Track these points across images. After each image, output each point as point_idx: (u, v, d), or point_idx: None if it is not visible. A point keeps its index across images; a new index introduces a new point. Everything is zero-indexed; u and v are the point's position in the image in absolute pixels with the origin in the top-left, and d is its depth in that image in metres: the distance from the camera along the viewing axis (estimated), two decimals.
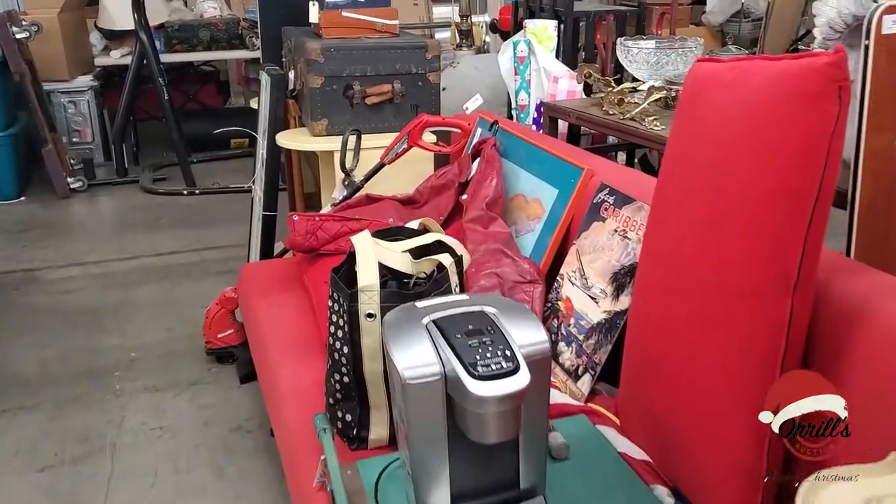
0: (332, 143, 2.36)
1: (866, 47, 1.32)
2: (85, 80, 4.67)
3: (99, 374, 2.46)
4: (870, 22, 1.31)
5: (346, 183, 2.33)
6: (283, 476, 1.58)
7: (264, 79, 2.66)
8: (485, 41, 3.92)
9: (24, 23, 4.22)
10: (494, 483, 1.11)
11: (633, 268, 1.44)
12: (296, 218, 2.01)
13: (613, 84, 2.08)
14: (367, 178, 2.30)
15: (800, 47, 4.34)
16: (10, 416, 2.25)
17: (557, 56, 2.51)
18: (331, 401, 1.40)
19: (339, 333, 1.34)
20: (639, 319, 1.29)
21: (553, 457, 1.24)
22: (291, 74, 2.61)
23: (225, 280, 3.12)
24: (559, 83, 2.31)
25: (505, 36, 3.82)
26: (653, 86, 1.95)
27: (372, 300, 1.29)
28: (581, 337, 1.52)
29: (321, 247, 2.01)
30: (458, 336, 1.06)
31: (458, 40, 3.23)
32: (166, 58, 4.74)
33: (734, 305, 1.08)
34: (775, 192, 1.03)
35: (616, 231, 1.51)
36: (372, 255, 1.32)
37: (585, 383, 1.48)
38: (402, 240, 1.51)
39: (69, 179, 4.30)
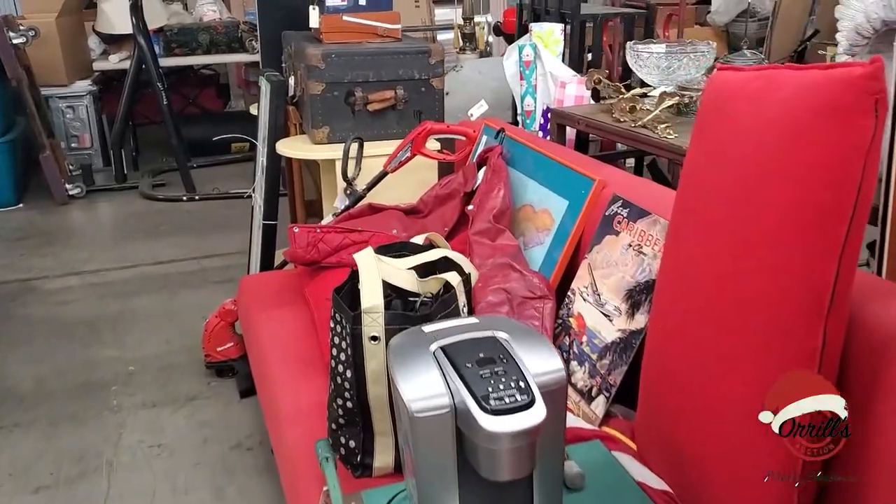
0: (334, 152, 2.30)
1: None
2: (83, 85, 4.62)
3: (96, 389, 2.40)
4: None
5: (348, 192, 2.28)
6: (284, 497, 1.52)
7: (264, 85, 2.60)
8: (488, 41, 3.86)
9: (21, 27, 4.17)
10: None
11: (649, 285, 1.38)
12: (296, 230, 1.95)
13: (623, 90, 2.01)
14: (370, 187, 2.24)
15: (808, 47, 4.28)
16: (4, 434, 2.19)
17: (564, 60, 2.45)
18: (333, 426, 1.34)
19: (342, 356, 1.28)
20: (657, 342, 1.23)
21: (568, 486, 1.18)
22: (291, 80, 2.55)
23: (225, 289, 3.06)
24: (566, 88, 2.25)
25: (509, 39, 3.76)
26: (665, 92, 1.88)
27: (376, 322, 1.23)
28: (594, 356, 1.46)
29: (322, 259, 1.95)
30: (469, 365, 0.99)
31: (461, 43, 3.17)
32: (165, 62, 4.68)
33: (762, 333, 1.02)
34: (806, 213, 0.97)
35: (630, 245, 1.45)
36: (376, 274, 1.26)
37: (600, 405, 1.42)
38: (407, 256, 1.45)
39: (67, 186, 4.24)
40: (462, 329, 1.08)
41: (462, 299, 1.31)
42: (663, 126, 1.79)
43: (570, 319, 1.55)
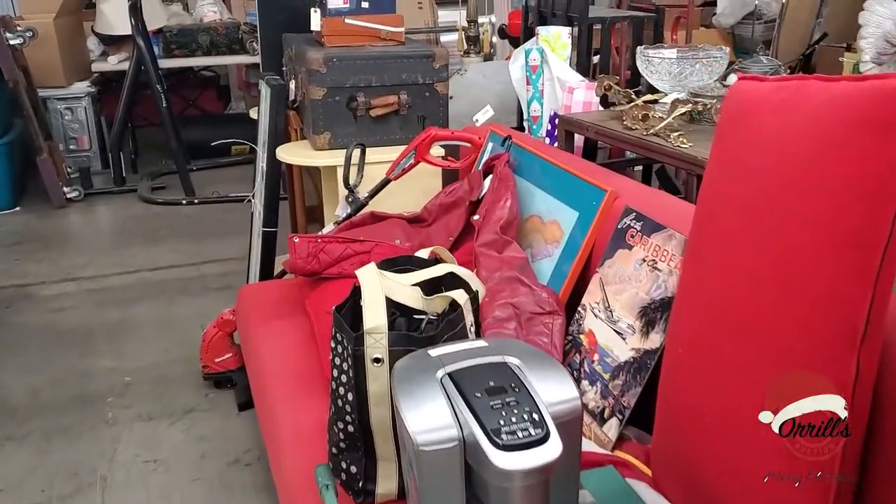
0: (335, 158, 2.25)
1: None
2: (82, 87, 4.56)
3: (91, 401, 2.34)
4: None
5: (350, 199, 2.22)
6: None
7: (264, 89, 2.54)
8: (492, 43, 3.79)
9: (18, 28, 4.11)
10: None
11: (665, 302, 1.32)
12: (296, 240, 1.89)
13: (634, 96, 1.95)
14: (372, 194, 2.18)
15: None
16: None
17: (571, 64, 2.39)
18: (334, 450, 1.28)
19: (343, 378, 1.22)
20: (675, 364, 1.17)
21: None
22: (292, 84, 2.49)
23: (224, 296, 3.00)
24: (574, 94, 2.19)
25: (514, 42, 3.70)
26: (677, 98, 1.82)
27: (379, 343, 1.17)
28: (607, 376, 1.40)
29: (323, 270, 1.89)
30: (478, 394, 0.94)
31: (465, 46, 3.11)
32: (165, 63, 4.63)
33: (789, 359, 0.96)
34: (837, 227, 0.91)
35: (644, 260, 1.39)
36: (379, 292, 1.20)
37: (612, 428, 1.36)
38: (411, 270, 1.39)
39: (65, 189, 4.18)
40: (470, 353, 1.03)
41: (469, 318, 1.25)
42: (676, 134, 1.73)
43: (581, 336, 1.49)
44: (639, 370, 1.34)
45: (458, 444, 0.91)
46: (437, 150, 2.23)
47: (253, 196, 2.74)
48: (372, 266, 1.29)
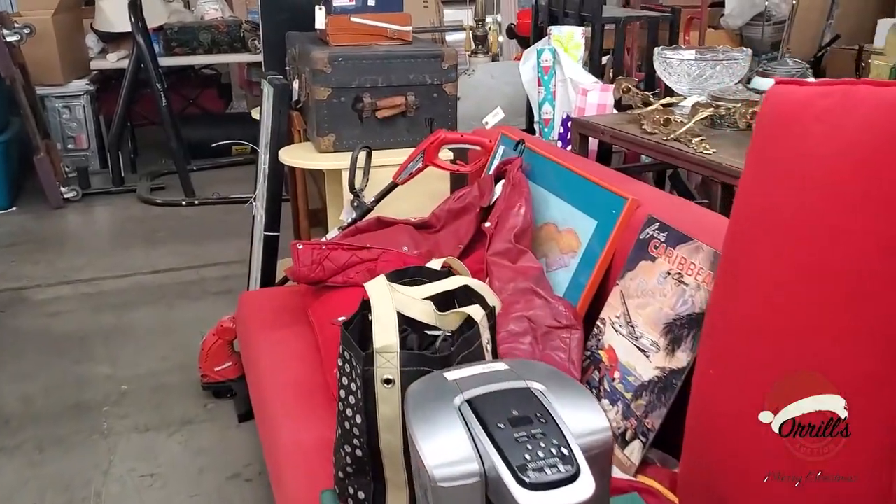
0: (340, 161, 2.17)
1: None
2: (80, 85, 4.49)
3: (86, 410, 2.27)
4: None
5: (355, 204, 2.14)
6: None
7: (267, 89, 2.46)
8: (499, 42, 3.72)
9: (16, 25, 4.04)
10: None
11: (692, 319, 1.25)
12: (300, 246, 1.81)
13: (652, 99, 1.88)
14: (379, 199, 2.10)
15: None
16: None
17: (584, 65, 2.31)
18: (340, 474, 1.20)
19: (351, 399, 1.14)
20: (706, 386, 1.09)
21: None
22: (296, 85, 2.41)
23: (224, 301, 2.93)
24: (589, 96, 2.11)
25: (523, 42, 3.62)
26: (698, 102, 1.75)
27: (390, 363, 1.09)
28: (629, 395, 1.33)
29: (328, 279, 1.81)
30: (501, 426, 0.86)
31: (472, 46, 3.04)
32: (165, 61, 4.56)
33: (835, 383, 0.89)
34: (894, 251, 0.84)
35: (669, 274, 1.32)
36: (390, 309, 1.13)
37: (635, 452, 1.28)
38: (422, 283, 1.32)
39: (63, 189, 4.11)
40: (490, 378, 0.95)
41: (486, 336, 1.17)
42: (698, 140, 1.65)
43: (600, 352, 1.42)
44: (664, 390, 1.27)
45: (479, 479, 0.83)
46: (445, 154, 2.15)
47: (254, 198, 2.66)
48: (382, 279, 1.22)
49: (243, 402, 2.17)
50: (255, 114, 2.77)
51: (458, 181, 2.29)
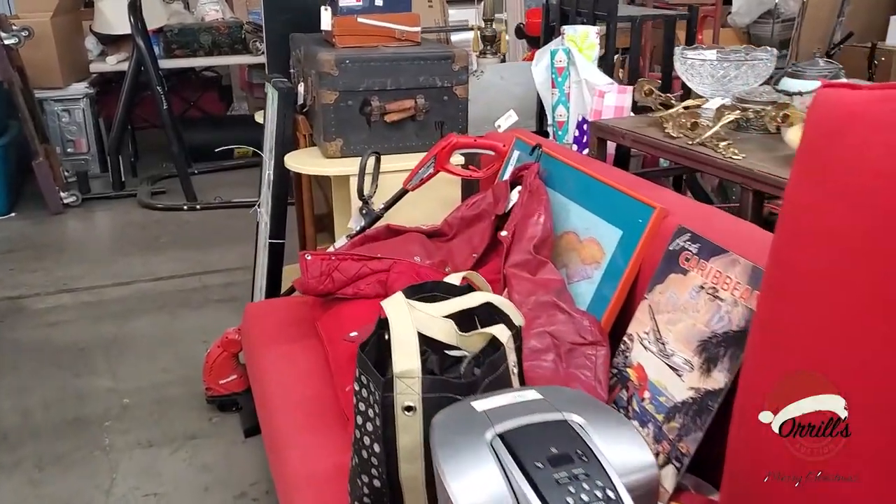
0: (348, 167, 2.10)
1: None
2: (80, 88, 4.42)
3: (87, 425, 2.19)
4: None
5: (364, 211, 2.07)
6: None
7: (270, 92, 2.39)
8: (507, 42, 3.64)
9: (14, 27, 3.96)
10: None
11: (728, 337, 1.17)
12: (308, 257, 1.74)
13: (674, 101, 1.80)
14: (388, 206, 2.03)
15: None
16: None
17: (601, 66, 2.23)
18: None
19: (369, 427, 1.07)
20: (751, 411, 1.02)
21: None
22: (301, 88, 2.34)
23: (227, 309, 2.86)
24: (605, 98, 2.04)
25: (532, 42, 3.54)
26: (723, 105, 1.67)
27: (411, 389, 1.02)
28: (660, 417, 1.25)
29: (337, 290, 1.74)
30: (539, 465, 0.79)
31: (481, 46, 2.96)
32: (165, 63, 4.48)
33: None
34: None
35: (703, 288, 1.24)
36: (411, 330, 1.05)
37: (669, 478, 1.21)
38: (441, 298, 1.25)
39: (62, 194, 4.03)
40: (523, 409, 0.88)
41: (512, 359, 1.10)
42: (724, 144, 1.58)
43: (628, 370, 1.34)
44: (699, 413, 1.19)
45: None
46: (456, 159, 2.08)
47: (259, 205, 2.59)
48: (400, 296, 1.14)
49: (249, 417, 2.10)
50: (258, 117, 2.70)
51: (469, 187, 2.22)
